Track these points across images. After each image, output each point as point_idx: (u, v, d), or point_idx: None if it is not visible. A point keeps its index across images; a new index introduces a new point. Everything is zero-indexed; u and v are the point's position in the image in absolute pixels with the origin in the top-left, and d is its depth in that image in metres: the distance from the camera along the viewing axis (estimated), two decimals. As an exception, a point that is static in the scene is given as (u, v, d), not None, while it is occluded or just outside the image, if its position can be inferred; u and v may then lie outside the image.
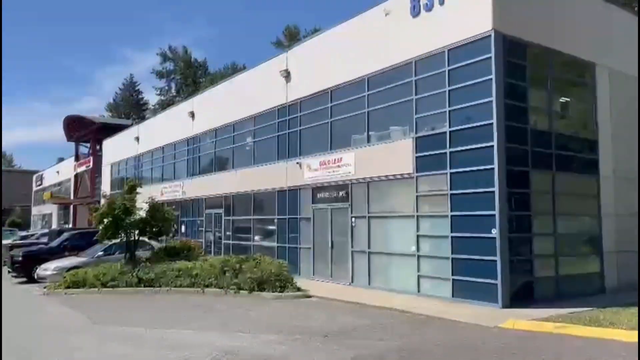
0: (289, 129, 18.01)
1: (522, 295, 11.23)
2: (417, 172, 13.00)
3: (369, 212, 14.46)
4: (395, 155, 13.66)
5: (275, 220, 18.43)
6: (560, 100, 13.08)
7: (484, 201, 11.31)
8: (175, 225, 20.84)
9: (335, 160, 15.72)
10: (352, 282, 14.87)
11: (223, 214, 21.90)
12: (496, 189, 11.05)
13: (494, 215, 11.06)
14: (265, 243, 19.06)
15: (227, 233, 21.60)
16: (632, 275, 13.52)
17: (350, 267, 14.94)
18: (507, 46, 11.50)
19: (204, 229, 23.56)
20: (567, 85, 13.43)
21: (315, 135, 16.90)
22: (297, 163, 17.26)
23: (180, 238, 23.08)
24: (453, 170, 12.06)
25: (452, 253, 11.93)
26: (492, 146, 11.17)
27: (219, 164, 22.80)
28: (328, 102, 16.24)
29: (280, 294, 13.12)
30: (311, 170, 16.70)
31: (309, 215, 16.81)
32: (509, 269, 11.01)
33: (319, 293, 13.42)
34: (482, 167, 11.40)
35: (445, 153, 12.24)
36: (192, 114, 24.81)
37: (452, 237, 11.98)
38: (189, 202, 24.95)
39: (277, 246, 18.23)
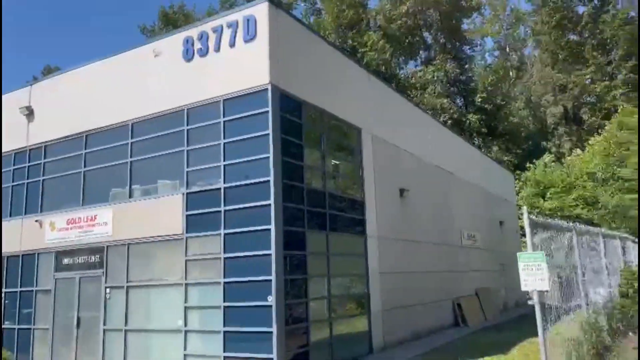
0: (28, 179, 14.55)
1: (298, 368, 10.32)
2: (187, 232, 11.38)
3: (128, 281, 12.10)
4: (162, 213, 11.84)
5: (3, 295, 14.33)
6: (333, 161, 13.23)
7: (259, 265, 10.28)
8: None
9: (88, 217, 13.02)
10: (102, 369, 12.06)
11: None
12: (273, 251, 10.15)
13: (270, 280, 10.07)
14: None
15: None
16: (396, 333, 14.02)
17: (101, 351, 12.13)
18: (284, 102, 11.10)
19: None
20: (338, 147, 13.76)
21: (63, 187, 13.92)
22: (37, 221, 13.89)
23: None
24: (228, 231, 10.83)
25: (224, 326, 10.46)
26: (269, 205, 10.35)
27: None
28: (82, 148, 13.61)
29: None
30: (55, 229, 13.55)
31: (48, 287, 13.44)
32: (285, 339, 10.03)
33: (53, 391, 10.34)
34: (258, 228, 10.44)
35: (220, 211, 10.98)
36: None
37: (224, 307, 10.55)
38: None
39: (3, 328, 14.09)
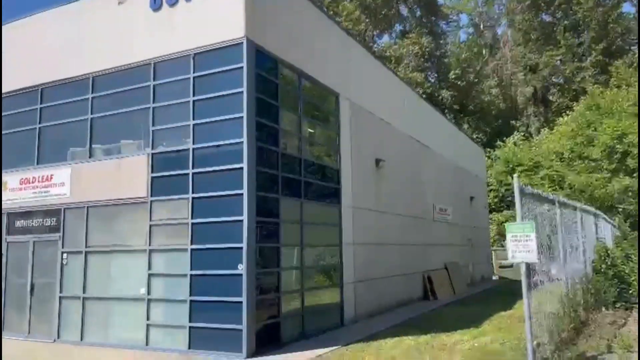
0: (-23, 134, 13.38)
1: (268, 340, 9.86)
2: (152, 195, 10.64)
3: (87, 246, 11.31)
4: (126, 174, 11.03)
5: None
6: (309, 125, 12.61)
7: (230, 232, 9.68)
8: None
9: (43, 177, 12.07)
10: (58, 337, 11.32)
11: None
12: (245, 217, 9.55)
13: (240, 248, 9.50)
14: None
15: None
16: (367, 305, 13.74)
17: (57, 318, 11.38)
18: (260, 59, 10.36)
19: None
20: (315, 111, 13.12)
21: (16, 144, 12.86)
22: (-13, 180, 12.84)
23: None
24: (196, 195, 10.15)
25: (190, 295, 9.88)
26: (242, 168, 9.70)
27: None
28: (37, 102, 12.54)
29: None
30: (8, 189, 12.54)
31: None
32: (255, 310, 9.54)
33: (2, 361, 9.59)
34: (229, 192, 9.80)
35: (188, 174, 10.25)
36: None
37: (191, 275, 9.95)
38: None
39: (-52, 294, 13.11)
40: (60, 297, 11.44)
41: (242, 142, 9.76)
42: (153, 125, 10.84)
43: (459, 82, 45.43)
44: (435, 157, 20.93)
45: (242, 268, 9.46)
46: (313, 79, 12.38)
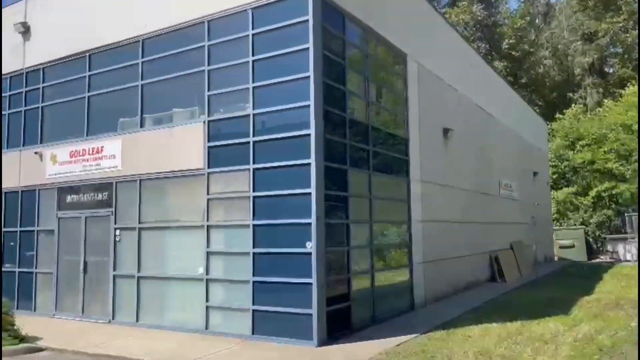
0: (25, 106, 12.83)
1: (338, 325, 8.88)
2: (209, 167, 9.74)
3: (140, 222, 10.58)
4: (179, 144, 10.17)
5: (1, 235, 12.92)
6: (376, 89, 11.39)
7: (296, 206, 8.69)
8: None
9: (93, 149, 11.38)
10: (113, 318, 10.72)
11: None
12: (313, 189, 8.51)
13: (309, 224, 8.49)
14: (-16, 267, 13.31)
15: None
16: (435, 287, 12.61)
17: (111, 299, 10.77)
18: (326, 12, 9.17)
19: None
20: (382, 73, 11.87)
21: (65, 115, 12.25)
22: (36, 153, 12.28)
23: None
24: (258, 166, 9.17)
25: (253, 275, 8.99)
26: (309, 135, 8.63)
27: None
28: (85, 69, 11.80)
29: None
30: (57, 163, 11.95)
31: (51, 227, 11.99)
32: (326, 293, 8.56)
33: (56, 341, 9.01)
34: (295, 162, 8.76)
35: (248, 142, 9.27)
36: None
37: (254, 253, 9.04)
38: None
39: (2, 271, 12.77)
40: (114, 276, 10.81)
41: (308, 106, 8.67)
42: (209, 90, 9.88)
43: (512, 52, 42.79)
44: (500, 128, 19.31)
45: (310, 246, 8.46)
46: (381, 36, 11.11)
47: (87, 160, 11.42)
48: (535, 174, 24.27)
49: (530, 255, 21.71)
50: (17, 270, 12.45)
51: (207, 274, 9.55)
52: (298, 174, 8.71)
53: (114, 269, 10.82)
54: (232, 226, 9.44)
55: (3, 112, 13.19)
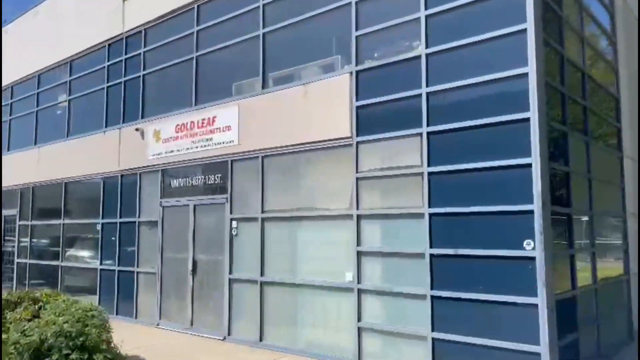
0: (125, 76, 10.97)
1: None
2: (358, 134, 7.05)
3: (263, 211, 8.13)
4: (315, 106, 7.58)
5: (99, 227, 11.18)
6: (588, 35, 8.10)
7: (504, 185, 5.72)
8: None
9: (203, 121, 9.14)
10: (229, 334, 8.38)
11: (18, 217, 13.85)
12: (536, 160, 5.49)
13: (529, 212, 5.48)
14: (81, 264, 11.67)
15: (23, 244, 13.63)
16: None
17: (227, 309, 8.44)
18: None
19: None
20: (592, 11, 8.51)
21: (169, 82, 10.19)
22: (137, 130, 10.32)
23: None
24: (434, 129, 6.32)
25: (432, 287, 6.14)
26: (525, 76, 5.62)
27: (17, 140, 14.59)
28: (193, 24, 9.62)
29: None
30: (161, 140, 9.88)
31: (154, 218, 9.95)
32: (556, 319, 5.50)
33: (163, 368, 6.77)
34: (501, 119, 5.80)
35: (419, 96, 6.45)
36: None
37: (432, 255, 6.19)
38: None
39: (101, 269, 11.01)
40: (230, 280, 8.46)
41: (524, 30, 5.67)
42: (357, 29, 7.19)
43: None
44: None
45: (531, 247, 5.45)
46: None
47: (196, 134, 9.20)
48: None
49: None
50: (116, 268, 10.59)
51: (358, 282, 6.85)
52: (505, 137, 5.74)
53: (230, 272, 8.47)
54: (394, 216, 6.65)
55: (102, 86, 11.46)
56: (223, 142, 8.76)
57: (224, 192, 8.74)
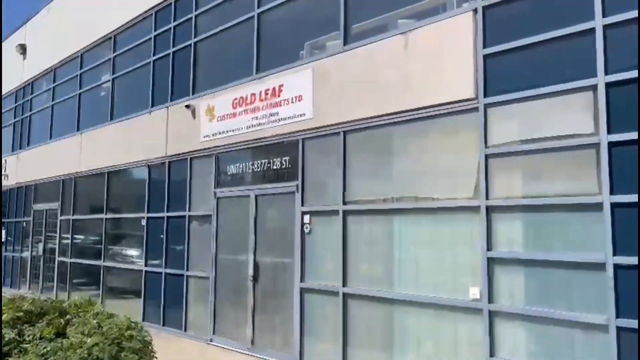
0: (174, 46, 9.40)
1: None
2: (486, 94, 5.07)
3: (345, 202, 6.27)
4: (420, 60, 5.64)
5: (144, 222, 9.66)
6: None
7: None
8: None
9: (267, 92, 7.38)
10: (300, 358, 6.57)
11: (59, 211, 12.63)
12: None
13: None
14: (126, 265, 10.21)
15: (65, 241, 12.39)
16: None
17: (298, 326, 6.63)
18: None
19: (30, 237, 14.05)
20: None
21: (225, 49, 8.50)
22: (187, 107, 8.69)
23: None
24: (614, 78, 4.27)
25: (618, 315, 4.09)
26: None
27: (59, 126, 13.41)
28: (254, -27, 7.90)
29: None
30: (215, 118, 8.21)
31: (207, 211, 8.28)
32: None
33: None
34: None
35: (590, 31, 4.42)
36: (23, 49, 15.27)
37: (616, 266, 4.14)
38: (14, 191, 15.29)
39: (146, 271, 9.49)
40: (301, 290, 6.66)
41: None
42: (482, -51, 5.21)
43: None
44: None
45: None
46: None
47: (258, 109, 7.46)
48: None
49: None
50: (163, 271, 9.02)
51: (489, 301, 4.87)
52: None
53: (302, 279, 6.66)
54: (548, 207, 4.62)
55: (148, 60, 9.97)
56: (292, 117, 6.96)
57: (293, 178, 6.94)
